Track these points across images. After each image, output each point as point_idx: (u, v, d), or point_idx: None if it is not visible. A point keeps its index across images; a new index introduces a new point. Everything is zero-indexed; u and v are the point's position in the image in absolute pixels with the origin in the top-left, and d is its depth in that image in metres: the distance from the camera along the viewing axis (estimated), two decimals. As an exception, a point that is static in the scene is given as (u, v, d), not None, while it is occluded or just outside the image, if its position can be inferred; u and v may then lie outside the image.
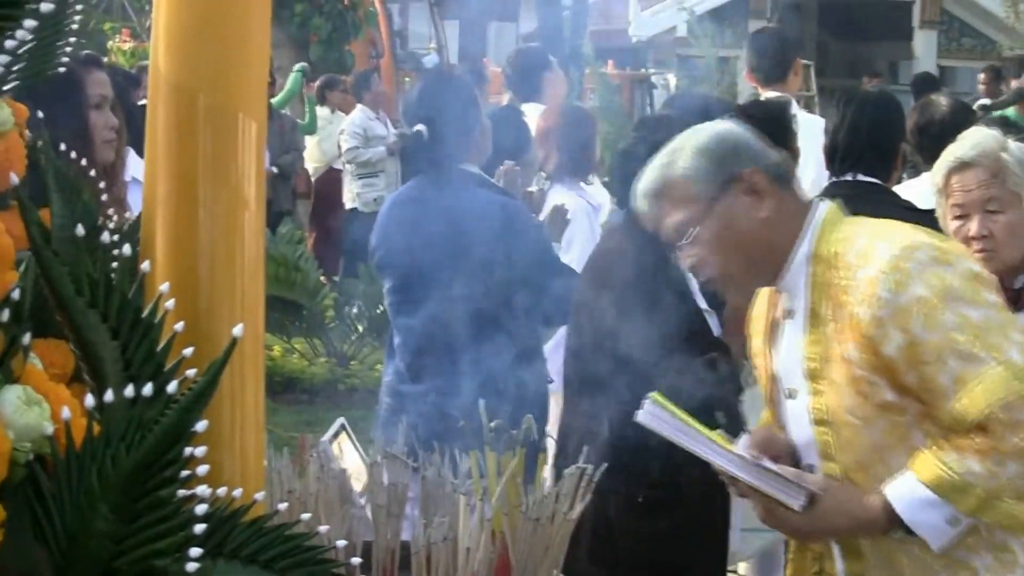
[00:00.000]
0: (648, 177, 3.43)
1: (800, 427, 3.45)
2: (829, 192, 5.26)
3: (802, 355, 3.38)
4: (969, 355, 3.17)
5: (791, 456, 3.48)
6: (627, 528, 4.63)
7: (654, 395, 3.35)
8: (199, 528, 2.25)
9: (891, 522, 3.29)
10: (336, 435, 4.07)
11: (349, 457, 3.96)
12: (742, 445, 3.39)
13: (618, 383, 4.48)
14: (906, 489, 3.26)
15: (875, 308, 3.21)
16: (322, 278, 11.86)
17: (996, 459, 3.18)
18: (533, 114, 7.61)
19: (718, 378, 4.63)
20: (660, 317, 4.48)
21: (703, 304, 4.76)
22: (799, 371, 3.41)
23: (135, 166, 4.92)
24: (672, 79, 20.53)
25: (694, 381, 4.48)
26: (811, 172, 6.54)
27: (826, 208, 3.42)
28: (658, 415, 3.33)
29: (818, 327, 3.35)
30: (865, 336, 3.24)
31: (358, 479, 3.53)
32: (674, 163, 3.39)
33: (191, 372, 2.33)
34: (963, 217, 4.15)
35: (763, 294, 3.59)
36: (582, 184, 7.18)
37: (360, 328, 11.51)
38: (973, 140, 4.20)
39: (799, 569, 3.96)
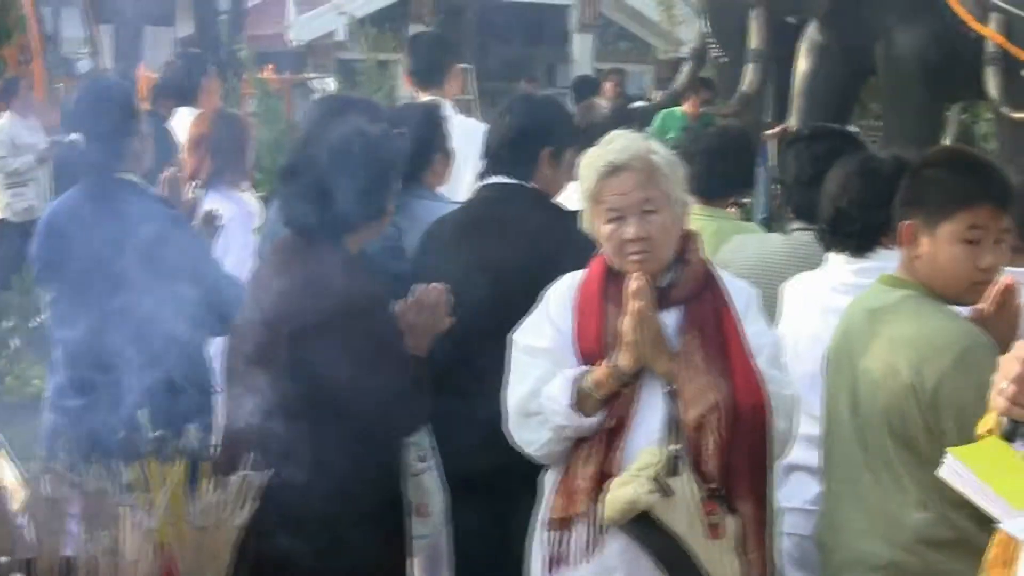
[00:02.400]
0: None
1: None
2: (478, 194, 5.32)
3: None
4: None
5: None
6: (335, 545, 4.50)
7: (952, 450, 3.01)
8: None
9: None
10: (-8, 453, 4.00)
11: (6, 475, 3.89)
12: None
13: (282, 396, 4.42)
14: None
15: None
16: (-29, 291, 11.54)
17: None
18: (188, 120, 7.56)
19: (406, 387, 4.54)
20: (354, 334, 4.42)
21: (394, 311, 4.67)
22: None
23: None
24: (332, 83, 20.50)
25: (375, 395, 4.42)
26: (468, 175, 6.63)
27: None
28: (959, 471, 2.98)
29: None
30: None
31: (16, 498, 3.47)
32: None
33: None
34: (618, 220, 4.15)
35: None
36: (236, 191, 7.16)
37: (15, 343, 11.24)
38: (622, 144, 4.20)
39: None
